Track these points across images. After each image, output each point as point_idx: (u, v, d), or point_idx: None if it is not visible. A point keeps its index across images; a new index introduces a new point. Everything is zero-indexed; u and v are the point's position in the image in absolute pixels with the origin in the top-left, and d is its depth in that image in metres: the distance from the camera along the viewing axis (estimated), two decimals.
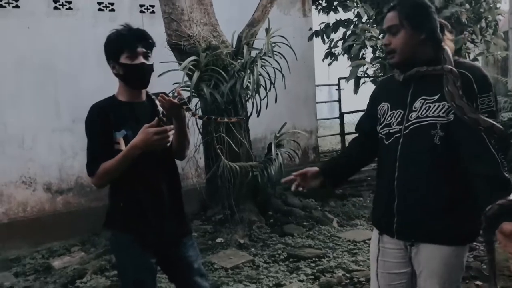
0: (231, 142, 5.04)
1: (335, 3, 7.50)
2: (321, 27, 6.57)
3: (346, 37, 6.12)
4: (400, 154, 1.98)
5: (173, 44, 5.06)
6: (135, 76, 2.26)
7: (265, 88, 5.18)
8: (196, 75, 4.77)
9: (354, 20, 6.43)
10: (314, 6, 8.15)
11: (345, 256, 4.49)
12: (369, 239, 2.31)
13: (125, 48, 2.22)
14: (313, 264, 4.32)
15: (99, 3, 5.75)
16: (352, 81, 5.53)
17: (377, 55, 5.81)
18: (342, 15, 7.06)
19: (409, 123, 1.96)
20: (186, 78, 4.91)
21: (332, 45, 6.57)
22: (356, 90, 5.54)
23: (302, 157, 7.34)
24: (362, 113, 2.40)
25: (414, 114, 1.95)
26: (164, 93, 2.30)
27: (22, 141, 5.28)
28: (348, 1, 6.36)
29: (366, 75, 6.00)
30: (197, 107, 5.09)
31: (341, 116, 9.01)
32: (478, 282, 3.72)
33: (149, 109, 2.33)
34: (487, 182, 1.78)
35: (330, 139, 11.06)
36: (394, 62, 2.02)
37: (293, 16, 7.53)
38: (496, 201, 1.60)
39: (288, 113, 6.92)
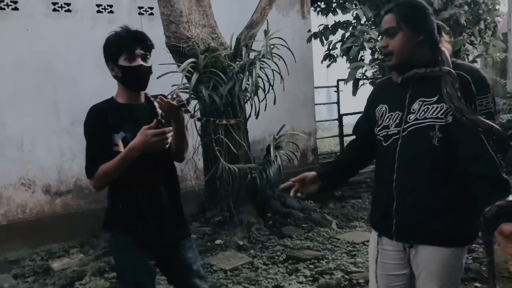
0: (230, 144, 5.04)
1: (334, 5, 7.50)
2: (320, 29, 6.57)
3: (344, 39, 6.12)
4: (398, 156, 1.99)
5: (171, 46, 5.06)
6: (133, 78, 2.26)
7: (264, 90, 5.18)
8: (194, 77, 4.77)
9: (352, 22, 6.42)
10: (312, 8, 8.14)
11: (344, 258, 4.49)
12: (368, 241, 2.32)
13: (124, 50, 2.22)
14: (312, 266, 4.32)
15: (98, 5, 5.75)
16: (350, 83, 5.53)
17: (375, 57, 5.82)
18: (340, 17, 7.06)
19: (407, 125, 1.97)
20: (185, 80, 4.91)
21: (330, 47, 6.56)
22: (354, 92, 5.55)
23: (301, 159, 7.34)
24: (360, 115, 2.40)
25: (412, 116, 1.96)
26: (163, 95, 2.30)
27: (21, 143, 5.27)
28: (346, 3, 6.37)
29: (364, 77, 6.00)
30: (196, 109, 5.09)
31: (340, 118, 9.00)
32: (477, 284, 3.72)
33: (147, 111, 2.33)
34: (486, 183, 1.78)
35: (328, 141, 11.05)
36: (392, 64, 2.03)
37: (292, 18, 7.54)
38: (495, 202, 1.61)
39: (286, 115, 6.92)
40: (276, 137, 5.54)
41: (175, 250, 2.41)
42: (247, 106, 5.30)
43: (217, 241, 4.94)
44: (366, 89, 4.80)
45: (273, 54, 5.16)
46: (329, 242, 4.94)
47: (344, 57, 6.16)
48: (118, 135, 2.24)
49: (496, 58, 6.58)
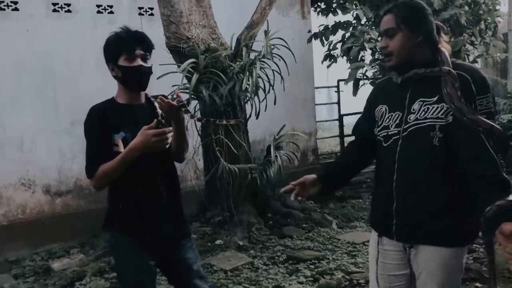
0: (230, 144, 5.04)
1: (334, 5, 7.50)
2: (320, 29, 6.56)
3: (345, 39, 6.11)
4: (399, 156, 1.99)
5: (172, 46, 5.06)
6: (133, 78, 2.26)
7: (264, 90, 5.18)
8: (195, 77, 4.77)
9: (353, 22, 6.42)
10: (313, 8, 8.15)
11: (345, 258, 4.49)
12: (369, 241, 2.31)
13: (124, 51, 2.22)
14: (312, 266, 4.32)
15: (98, 6, 5.75)
16: (351, 83, 5.53)
17: (376, 57, 5.81)
18: (341, 17, 7.05)
19: (407, 125, 1.97)
20: (185, 81, 4.91)
21: (331, 47, 6.56)
22: (355, 92, 5.54)
23: (301, 159, 7.34)
24: (360, 116, 2.40)
25: (412, 116, 1.96)
26: (163, 95, 2.30)
27: (21, 144, 5.27)
28: (347, 3, 6.37)
29: (365, 77, 6.00)
30: (196, 109, 5.09)
31: (340, 118, 9.00)
32: (478, 284, 3.72)
33: (148, 112, 2.33)
34: (486, 183, 1.78)
35: (329, 141, 11.04)
36: (391, 64, 2.03)
37: (292, 18, 7.54)
38: (495, 202, 1.61)
39: (287, 115, 6.92)
40: (277, 137, 5.54)
41: (175, 250, 2.41)
42: (248, 106, 5.30)
43: (217, 241, 4.94)
44: (366, 89, 4.79)
45: (274, 55, 5.16)
46: (329, 242, 4.94)
47: (345, 58, 6.16)
48: (118, 135, 2.24)
49: (497, 58, 6.57)
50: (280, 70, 5.21)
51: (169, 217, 2.37)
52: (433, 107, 1.91)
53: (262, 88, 5.16)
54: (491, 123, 1.78)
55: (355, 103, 5.72)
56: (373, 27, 5.73)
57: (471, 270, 3.86)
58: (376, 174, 2.19)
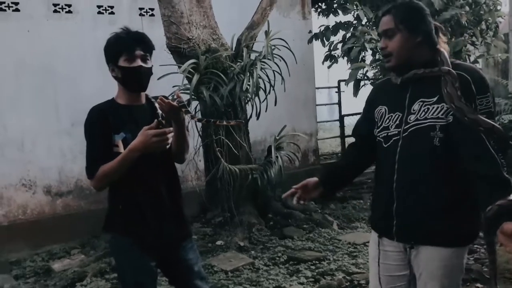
0: (231, 145, 5.04)
1: (335, 5, 7.50)
2: (321, 30, 6.56)
3: (345, 40, 6.11)
4: (399, 156, 1.98)
5: (172, 47, 5.06)
6: (133, 79, 2.26)
7: (265, 91, 5.18)
8: (195, 78, 4.77)
9: (353, 22, 6.42)
10: (313, 9, 8.14)
11: (346, 258, 4.48)
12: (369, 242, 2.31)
13: (123, 51, 2.22)
14: (313, 267, 4.31)
15: (99, 6, 5.75)
16: (351, 84, 5.53)
17: (377, 57, 5.81)
18: (341, 17, 7.05)
19: (408, 126, 1.97)
20: (186, 81, 4.91)
21: (331, 48, 6.56)
22: (356, 93, 5.54)
23: (302, 160, 7.33)
24: (359, 117, 2.40)
25: (413, 117, 1.96)
26: (164, 96, 2.30)
27: (22, 144, 5.28)
28: (347, 4, 6.37)
29: (366, 77, 6.00)
30: (197, 110, 5.09)
31: (341, 118, 8.99)
32: (478, 285, 3.71)
33: (148, 112, 2.33)
34: (487, 183, 1.78)
35: (330, 142, 11.04)
36: (391, 65, 2.03)
37: (293, 19, 7.53)
38: (496, 202, 1.61)
39: (288, 115, 6.92)
40: (277, 138, 5.54)
41: (176, 251, 2.40)
42: (248, 107, 5.30)
43: (218, 242, 4.93)
44: (367, 90, 4.78)
45: (274, 55, 5.16)
46: (330, 243, 4.93)
47: (345, 58, 6.15)
48: (118, 136, 2.24)
49: (498, 58, 6.57)
50: (280, 71, 5.21)
51: (169, 217, 2.37)
52: (433, 107, 1.91)
53: (262, 89, 5.16)
54: (492, 122, 1.78)
55: (356, 103, 5.71)
56: (374, 28, 5.72)
57: (472, 270, 3.86)
58: (376, 175, 2.19)
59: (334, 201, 6.46)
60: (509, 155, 1.86)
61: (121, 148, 2.22)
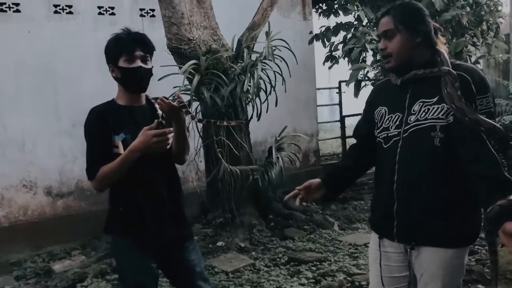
0: (232, 146, 5.04)
1: (336, 6, 7.50)
2: (322, 31, 6.56)
3: (346, 40, 6.11)
4: (399, 157, 1.98)
5: (173, 47, 5.06)
6: (132, 79, 2.26)
7: (266, 92, 5.18)
8: (196, 78, 4.76)
9: (354, 23, 6.42)
10: (314, 10, 8.15)
11: (346, 259, 4.48)
12: None
13: (124, 52, 2.22)
14: (314, 268, 4.31)
15: (99, 7, 5.76)
16: (352, 85, 5.52)
17: (377, 58, 5.80)
18: (342, 18, 7.06)
19: (408, 126, 1.96)
20: (186, 82, 4.91)
21: (332, 49, 6.56)
22: (356, 94, 5.54)
23: (303, 161, 7.33)
24: (359, 118, 2.40)
25: (413, 117, 1.95)
26: (164, 97, 2.30)
27: (23, 145, 5.28)
28: (348, 5, 6.37)
29: (366, 78, 6.00)
30: (198, 111, 5.09)
31: (342, 119, 9.00)
32: (480, 286, 3.70)
33: (148, 113, 2.32)
34: (488, 183, 1.78)
35: (331, 143, 11.05)
36: (390, 66, 2.03)
37: (294, 20, 7.53)
38: (497, 202, 1.60)
39: (288, 116, 6.92)
40: (278, 138, 5.54)
41: (177, 252, 2.40)
42: (249, 108, 5.30)
43: (219, 243, 4.93)
44: (368, 91, 4.78)
45: (275, 56, 5.16)
46: (331, 244, 4.92)
47: (346, 59, 6.15)
48: (118, 136, 2.24)
49: (499, 59, 6.56)
50: (281, 71, 5.21)
51: (170, 218, 2.36)
52: (434, 108, 1.91)
53: (263, 90, 5.16)
54: (493, 122, 1.79)
55: (356, 104, 5.71)
56: (375, 28, 5.72)
57: (473, 271, 3.85)
58: (376, 176, 2.18)
59: (335, 202, 6.44)
60: (510, 155, 1.85)
61: (121, 149, 2.21)
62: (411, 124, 1.95)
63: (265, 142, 6.85)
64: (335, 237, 5.16)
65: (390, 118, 2.04)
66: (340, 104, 9.16)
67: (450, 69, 1.88)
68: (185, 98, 4.27)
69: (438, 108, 1.90)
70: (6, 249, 5.02)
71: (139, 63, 2.23)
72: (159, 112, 2.25)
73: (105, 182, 2.25)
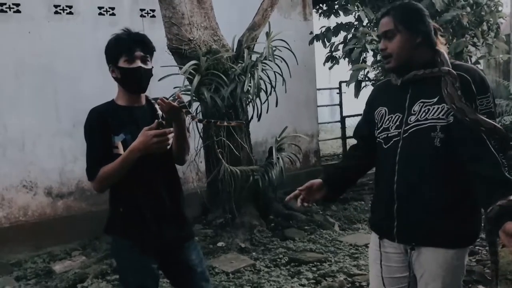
0: (232, 146, 5.04)
1: (336, 6, 7.50)
2: (322, 31, 6.57)
3: (347, 41, 6.12)
4: (399, 157, 1.98)
5: (173, 48, 5.06)
6: (132, 80, 2.26)
7: (266, 92, 5.18)
8: (196, 79, 4.76)
9: (355, 23, 6.42)
10: (315, 10, 8.15)
11: (347, 260, 4.47)
12: None
13: (123, 52, 2.22)
14: (314, 269, 4.31)
15: (100, 8, 5.76)
16: (353, 85, 5.52)
17: (378, 58, 5.81)
18: (343, 18, 7.07)
19: (408, 127, 1.96)
20: (187, 82, 4.91)
21: (333, 49, 6.56)
22: (357, 94, 5.54)
23: (303, 161, 7.33)
24: (360, 119, 2.39)
25: (413, 118, 1.95)
26: (164, 97, 2.30)
27: (23, 145, 5.28)
28: (348, 5, 6.37)
29: (367, 78, 5.99)
30: (198, 111, 5.09)
31: (342, 119, 9.00)
32: (480, 287, 3.70)
33: (148, 114, 2.32)
34: (488, 183, 1.78)
35: (331, 143, 11.05)
36: (391, 66, 2.03)
37: (294, 20, 7.53)
38: (497, 202, 1.61)
39: (289, 117, 6.92)
40: (278, 139, 5.54)
41: (178, 253, 2.40)
42: (249, 108, 5.30)
43: (219, 244, 4.93)
44: (368, 91, 4.78)
45: (275, 56, 5.16)
46: (331, 245, 4.92)
47: (346, 59, 6.15)
48: (118, 137, 2.24)
49: (499, 59, 6.56)
50: (282, 72, 5.20)
51: (170, 219, 2.36)
52: (434, 108, 1.91)
53: (263, 90, 5.16)
54: (493, 122, 1.79)
55: (357, 104, 5.71)
56: (375, 29, 5.72)
57: (474, 272, 3.85)
58: (376, 176, 2.18)
59: (336, 203, 6.44)
60: (510, 155, 1.85)
61: (121, 150, 2.21)
62: (411, 125, 1.95)
63: (266, 142, 6.85)
64: (336, 237, 5.16)
65: (390, 119, 2.04)
66: (340, 104, 9.17)
67: (450, 69, 1.88)
68: (186, 98, 4.26)
69: (438, 108, 1.90)
70: (6, 250, 5.02)
71: (139, 63, 2.23)
72: (159, 112, 2.25)
73: (105, 183, 2.25)
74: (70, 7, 5.56)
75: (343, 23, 6.54)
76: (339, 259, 4.49)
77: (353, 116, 8.51)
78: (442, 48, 2.02)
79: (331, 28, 6.54)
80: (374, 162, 2.20)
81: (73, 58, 5.48)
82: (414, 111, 1.96)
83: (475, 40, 5.92)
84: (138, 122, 2.26)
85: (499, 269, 1.70)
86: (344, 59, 6.36)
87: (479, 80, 1.89)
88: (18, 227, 5.24)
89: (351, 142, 6.17)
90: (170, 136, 2.16)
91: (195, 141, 4.86)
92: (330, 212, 6.09)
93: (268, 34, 5.21)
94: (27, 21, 5.28)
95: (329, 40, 6.54)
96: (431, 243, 1.95)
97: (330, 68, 6.73)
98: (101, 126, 2.24)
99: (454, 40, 5.57)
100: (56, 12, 5.48)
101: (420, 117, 1.93)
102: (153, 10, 6.04)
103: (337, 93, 9.25)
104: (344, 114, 9.03)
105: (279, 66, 5.19)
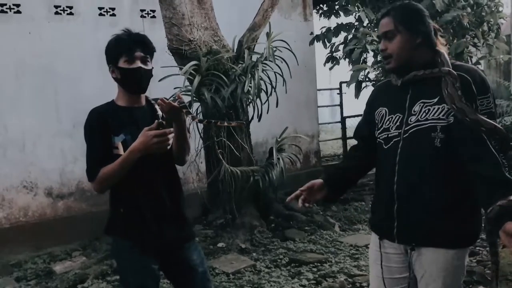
0: (232, 147, 5.04)
1: (336, 7, 7.51)
2: (322, 31, 6.57)
3: (347, 41, 6.11)
4: (399, 158, 1.98)
5: (174, 48, 5.06)
6: (132, 80, 2.25)
7: (266, 93, 5.18)
8: (197, 79, 4.76)
9: (355, 24, 6.42)
10: (315, 10, 8.16)
11: (347, 261, 4.47)
12: None
13: (123, 52, 2.22)
14: (315, 269, 4.30)
15: (100, 8, 5.76)
16: (353, 85, 5.52)
17: (378, 59, 5.80)
18: (343, 19, 7.07)
19: (408, 127, 1.96)
20: (187, 83, 4.91)
21: (333, 49, 6.56)
22: (357, 95, 5.54)
23: (304, 162, 7.33)
24: (360, 119, 2.39)
25: (413, 118, 1.95)
26: (165, 98, 2.29)
27: (23, 146, 5.28)
28: (349, 6, 6.36)
29: (367, 79, 5.99)
30: (198, 112, 5.09)
31: (343, 120, 9.00)
32: (481, 287, 3.70)
33: (148, 114, 2.32)
34: (488, 183, 1.78)
35: (331, 144, 11.05)
36: (391, 67, 2.03)
37: (294, 21, 7.54)
38: (497, 202, 1.60)
39: (289, 117, 6.92)
40: (279, 139, 5.54)
41: (178, 253, 2.39)
42: (250, 109, 5.30)
43: (220, 244, 4.92)
44: (369, 92, 4.78)
45: (276, 57, 5.16)
46: (332, 245, 4.92)
47: (347, 60, 6.15)
48: (118, 138, 2.23)
49: (500, 60, 6.55)
50: (282, 72, 5.21)
51: (170, 220, 2.36)
52: (434, 108, 1.91)
53: (264, 91, 5.16)
54: (493, 123, 1.79)
55: (357, 105, 5.71)
56: (375, 29, 5.72)
57: (474, 273, 3.85)
58: (377, 177, 2.18)
59: (336, 203, 6.44)
60: (510, 156, 1.85)
61: (121, 150, 2.21)
62: (412, 125, 1.95)
63: (266, 143, 6.85)
64: (336, 238, 5.15)
65: (390, 119, 2.04)
66: (341, 105, 9.16)
67: (451, 70, 1.88)
68: (186, 99, 4.26)
69: (438, 108, 1.89)
70: (6, 250, 5.02)
71: (139, 63, 2.23)
72: (159, 112, 2.24)
73: (106, 184, 2.24)
74: (71, 7, 5.56)
75: (344, 23, 6.53)
76: (339, 260, 4.49)
77: (354, 116, 8.50)
78: (442, 48, 2.02)
79: (332, 28, 6.53)
80: (375, 162, 2.20)
81: (74, 58, 5.48)
82: (414, 111, 1.96)
83: (476, 40, 5.91)
84: (138, 122, 2.25)
85: (500, 270, 1.69)
86: (345, 60, 6.36)
87: (480, 81, 1.89)
88: (18, 227, 5.24)
89: (352, 142, 6.18)
90: (170, 136, 2.16)
91: (195, 141, 4.86)
92: (331, 213, 6.09)
93: (268, 35, 5.21)
94: (27, 22, 5.29)
95: (329, 41, 6.54)
96: (431, 243, 1.95)
97: (331, 68, 6.73)
98: (101, 126, 2.24)
99: (455, 41, 5.56)
100: (56, 13, 5.48)
101: (420, 117, 1.93)
102: (153, 11, 6.04)
103: (338, 93, 9.25)
104: (344, 115, 9.02)
105: (279, 67, 5.19)
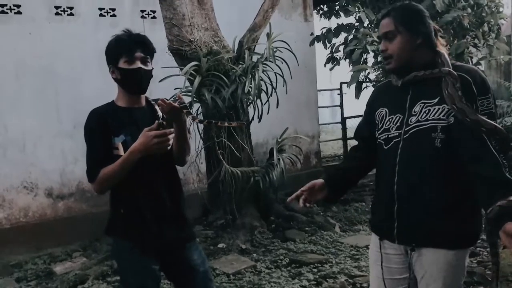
0: (233, 147, 5.04)
1: (337, 8, 7.50)
2: (323, 32, 6.57)
3: (347, 42, 6.11)
4: (400, 158, 1.98)
5: (174, 49, 5.06)
6: (132, 80, 2.25)
7: (267, 93, 5.18)
8: (197, 80, 4.77)
9: (355, 24, 6.42)
10: (315, 11, 8.15)
11: (348, 261, 4.47)
12: None
13: (123, 53, 2.22)
14: (315, 270, 4.30)
15: (101, 9, 5.76)
16: (353, 86, 5.52)
17: (378, 59, 5.81)
18: (343, 19, 7.06)
19: (408, 127, 1.96)
20: (187, 83, 4.91)
21: (333, 50, 6.56)
22: (357, 95, 5.53)
23: (304, 162, 7.33)
24: (360, 120, 2.39)
25: (414, 118, 1.95)
26: (165, 98, 2.29)
27: (24, 146, 5.28)
28: (349, 6, 6.37)
29: (367, 79, 5.99)
30: (199, 112, 5.09)
31: (343, 121, 9.00)
32: None
33: (148, 115, 2.32)
34: (488, 183, 1.78)
35: (332, 144, 11.05)
36: (391, 67, 2.03)
37: (295, 21, 7.54)
38: (497, 202, 1.60)
39: (289, 118, 6.92)
40: (279, 140, 5.54)
41: (179, 254, 2.39)
42: (250, 109, 5.30)
43: (220, 245, 4.92)
44: (369, 92, 4.78)
45: (276, 57, 5.16)
46: (332, 246, 4.91)
47: (347, 60, 6.15)
48: (118, 138, 2.23)
49: (500, 60, 6.54)
50: (282, 73, 5.21)
51: (171, 220, 2.36)
52: (434, 109, 1.91)
53: (264, 91, 5.16)
54: (494, 123, 1.79)
55: (358, 105, 5.71)
56: (376, 30, 5.72)
57: (475, 273, 3.84)
58: (377, 177, 2.18)
59: (336, 204, 6.44)
60: (511, 156, 1.85)
61: (121, 151, 2.21)
62: (412, 125, 1.95)
63: (266, 143, 6.85)
64: (337, 238, 5.15)
65: (390, 119, 2.04)
66: (341, 105, 9.16)
67: (451, 70, 1.88)
68: (186, 99, 4.26)
69: (439, 109, 1.89)
70: (6, 251, 5.02)
71: (139, 64, 2.23)
72: (160, 113, 2.24)
73: (106, 184, 2.24)
74: (71, 8, 5.56)
75: (344, 24, 6.54)
76: (340, 261, 4.49)
77: (354, 117, 8.50)
78: (443, 49, 2.02)
79: (332, 29, 6.54)
80: (375, 163, 2.20)
81: (74, 59, 5.49)
82: (414, 112, 1.96)
83: (476, 41, 5.91)
84: (138, 123, 2.25)
85: (500, 271, 1.69)
86: (345, 60, 6.36)
87: (480, 81, 1.89)
88: (18, 228, 5.24)
89: (352, 143, 6.18)
90: (171, 137, 2.16)
91: (195, 142, 4.86)
92: (331, 213, 6.09)
93: (269, 35, 5.21)
94: (27, 22, 5.29)
95: (329, 41, 6.54)
96: (432, 244, 1.95)
97: (331, 69, 6.72)
98: (101, 127, 2.23)
99: (455, 41, 5.56)
100: (57, 13, 5.48)
101: (420, 117, 1.93)
102: (153, 11, 6.04)
103: (338, 94, 9.24)
104: (345, 115, 9.02)
105: (279, 67, 5.19)
